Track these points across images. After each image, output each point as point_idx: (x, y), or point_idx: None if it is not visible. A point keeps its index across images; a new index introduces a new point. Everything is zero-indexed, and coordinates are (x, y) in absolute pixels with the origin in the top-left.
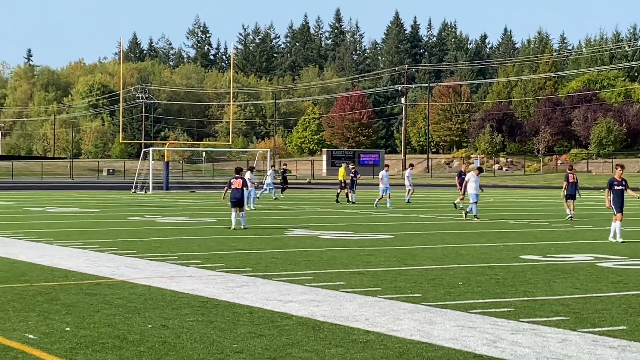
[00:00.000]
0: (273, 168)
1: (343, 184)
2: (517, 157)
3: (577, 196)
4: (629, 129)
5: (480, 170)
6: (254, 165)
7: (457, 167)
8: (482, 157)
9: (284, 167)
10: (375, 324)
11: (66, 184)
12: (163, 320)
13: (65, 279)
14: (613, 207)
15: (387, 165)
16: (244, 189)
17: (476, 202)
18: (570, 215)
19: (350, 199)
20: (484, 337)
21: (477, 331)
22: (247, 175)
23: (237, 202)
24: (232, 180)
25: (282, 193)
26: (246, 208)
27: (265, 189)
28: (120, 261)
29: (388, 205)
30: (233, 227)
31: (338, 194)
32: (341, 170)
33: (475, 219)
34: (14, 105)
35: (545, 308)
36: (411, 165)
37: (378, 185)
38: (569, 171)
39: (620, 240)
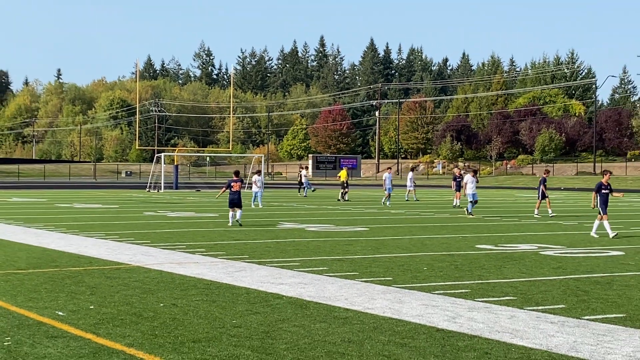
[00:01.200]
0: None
1: (345, 185)
2: (473, 162)
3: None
4: (567, 138)
5: (475, 172)
6: (261, 169)
7: (423, 170)
8: (444, 162)
9: (302, 169)
10: (353, 303)
11: (90, 184)
12: (173, 299)
13: (90, 265)
14: (599, 208)
15: (390, 168)
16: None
17: (472, 202)
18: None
19: (345, 198)
20: (445, 314)
21: (439, 309)
22: (255, 177)
23: (236, 203)
24: (232, 183)
25: (300, 193)
26: (252, 206)
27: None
28: (136, 249)
29: (387, 203)
30: (230, 224)
31: (341, 193)
32: (343, 172)
33: (470, 216)
34: (46, 117)
35: (496, 289)
36: (413, 168)
37: (354, 185)
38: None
39: (611, 234)
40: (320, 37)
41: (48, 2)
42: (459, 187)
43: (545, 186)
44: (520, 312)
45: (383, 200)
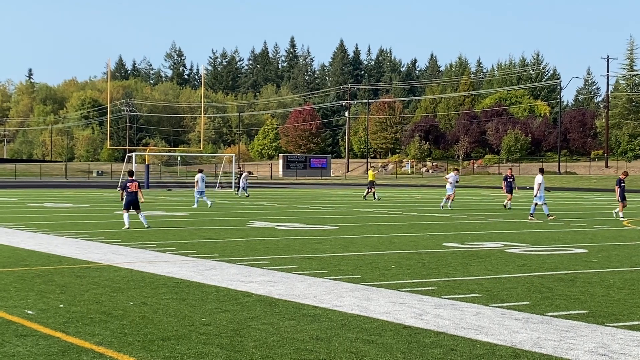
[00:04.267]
0: (240, 170)
1: (372, 185)
2: (441, 161)
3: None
4: (533, 139)
5: (457, 170)
6: (251, 171)
7: (391, 170)
8: (412, 162)
9: (242, 169)
10: (322, 301)
11: (61, 183)
12: (143, 298)
13: (60, 264)
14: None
15: (457, 169)
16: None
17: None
18: (508, 206)
19: (376, 197)
20: (412, 311)
21: (407, 306)
22: (243, 175)
23: (134, 204)
24: (128, 184)
25: (238, 193)
26: (238, 194)
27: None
28: (106, 248)
29: (449, 205)
30: (127, 226)
31: (373, 193)
32: (371, 172)
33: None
34: (17, 116)
35: (463, 287)
36: (456, 169)
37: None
38: (509, 174)
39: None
40: (291, 38)
41: (20, 2)
42: (510, 189)
43: (622, 188)
44: (486, 309)
45: (443, 204)
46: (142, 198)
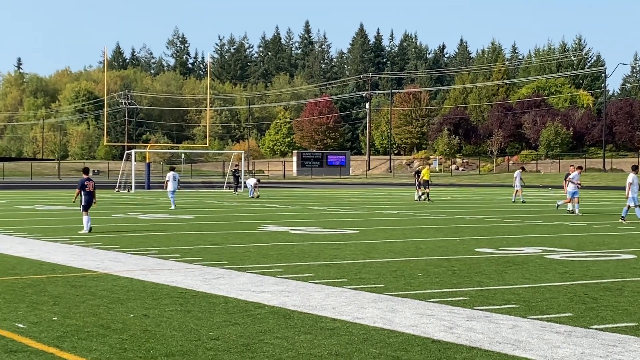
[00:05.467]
0: (236, 167)
1: (427, 184)
2: (472, 158)
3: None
4: (575, 132)
5: (580, 168)
6: (263, 174)
7: (416, 168)
8: (441, 158)
9: (236, 166)
10: (341, 313)
11: (54, 183)
12: (144, 310)
13: (53, 272)
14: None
15: (580, 167)
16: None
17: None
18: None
19: (425, 198)
20: (441, 324)
21: (435, 318)
22: (252, 181)
23: (90, 204)
24: (85, 182)
25: (235, 191)
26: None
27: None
28: (104, 255)
29: (576, 211)
30: (86, 230)
31: (426, 193)
32: (426, 171)
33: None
34: (5, 110)
35: (497, 297)
36: (522, 167)
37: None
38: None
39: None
40: (305, 23)
41: None
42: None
43: None
44: (523, 321)
45: (571, 208)
46: (96, 200)
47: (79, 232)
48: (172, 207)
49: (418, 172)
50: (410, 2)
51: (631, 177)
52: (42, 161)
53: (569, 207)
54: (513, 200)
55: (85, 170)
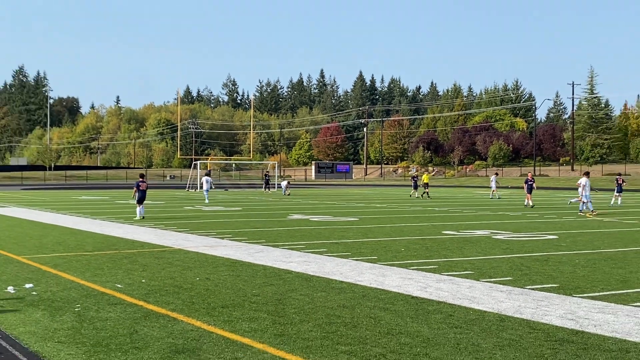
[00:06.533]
0: (267, 172)
1: (426, 185)
2: (440, 167)
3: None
4: (513, 148)
5: (587, 174)
6: (290, 178)
7: (401, 173)
8: (417, 167)
9: (267, 172)
10: (346, 277)
11: None
12: (206, 274)
13: (142, 248)
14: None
15: (587, 173)
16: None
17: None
18: (529, 205)
19: (425, 195)
20: (418, 285)
21: (414, 281)
22: (284, 183)
23: (144, 199)
24: (139, 184)
25: (267, 191)
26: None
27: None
28: (178, 236)
29: (591, 209)
30: (138, 217)
31: (426, 192)
32: (426, 176)
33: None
34: (108, 133)
35: (458, 266)
36: (496, 173)
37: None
38: (529, 177)
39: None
40: (321, 70)
41: (110, 45)
42: (530, 189)
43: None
44: (477, 283)
45: (584, 208)
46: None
47: (134, 218)
48: (206, 201)
49: (414, 177)
50: (395, 56)
51: (583, 180)
52: (134, 169)
53: (587, 206)
54: (491, 197)
55: (141, 175)
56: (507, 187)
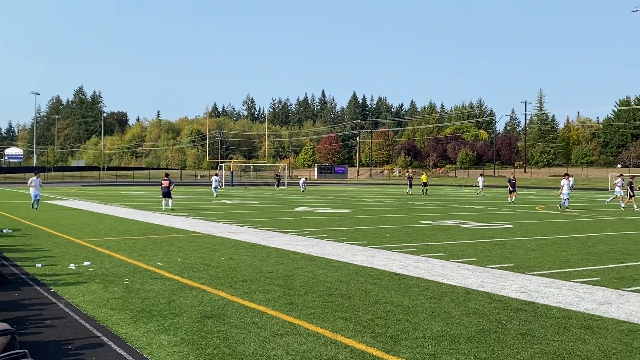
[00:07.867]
0: (277, 172)
1: (425, 184)
2: (418, 169)
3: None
4: (477, 154)
5: (622, 175)
6: (305, 177)
7: (387, 174)
8: (400, 169)
9: (278, 172)
10: (342, 257)
11: (178, 182)
12: (229, 255)
13: (177, 233)
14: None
15: (622, 175)
16: (170, 186)
17: (621, 198)
18: (511, 201)
19: (425, 193)
20: (400, 264)
21: (397, 261)
22: (302, 180)
23: (167, 194)
24: (162, 182)
25: (278, 187)
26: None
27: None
28: (207, 223)
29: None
30: (164, 209)
31: (425, 190)
32: (424, 176)
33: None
34: (150, 141)
35: (433, 249)
36: (481, 174)
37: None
38: (511, 177)
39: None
40: (322, 91)
41: (152, 69)
42: (513, 188)
43: (631, 187)
44: (448, 262)
45: (623, 205)
46: (173, 188)
47: (162, 209)
48: (215, 194)
49: (410, 177)
50: (383, 79)
51: (563, 181)
52: (172, 170)
53: (623, 204)
54: (477, 194)
55: (166, 175)
56: (472, 186)
